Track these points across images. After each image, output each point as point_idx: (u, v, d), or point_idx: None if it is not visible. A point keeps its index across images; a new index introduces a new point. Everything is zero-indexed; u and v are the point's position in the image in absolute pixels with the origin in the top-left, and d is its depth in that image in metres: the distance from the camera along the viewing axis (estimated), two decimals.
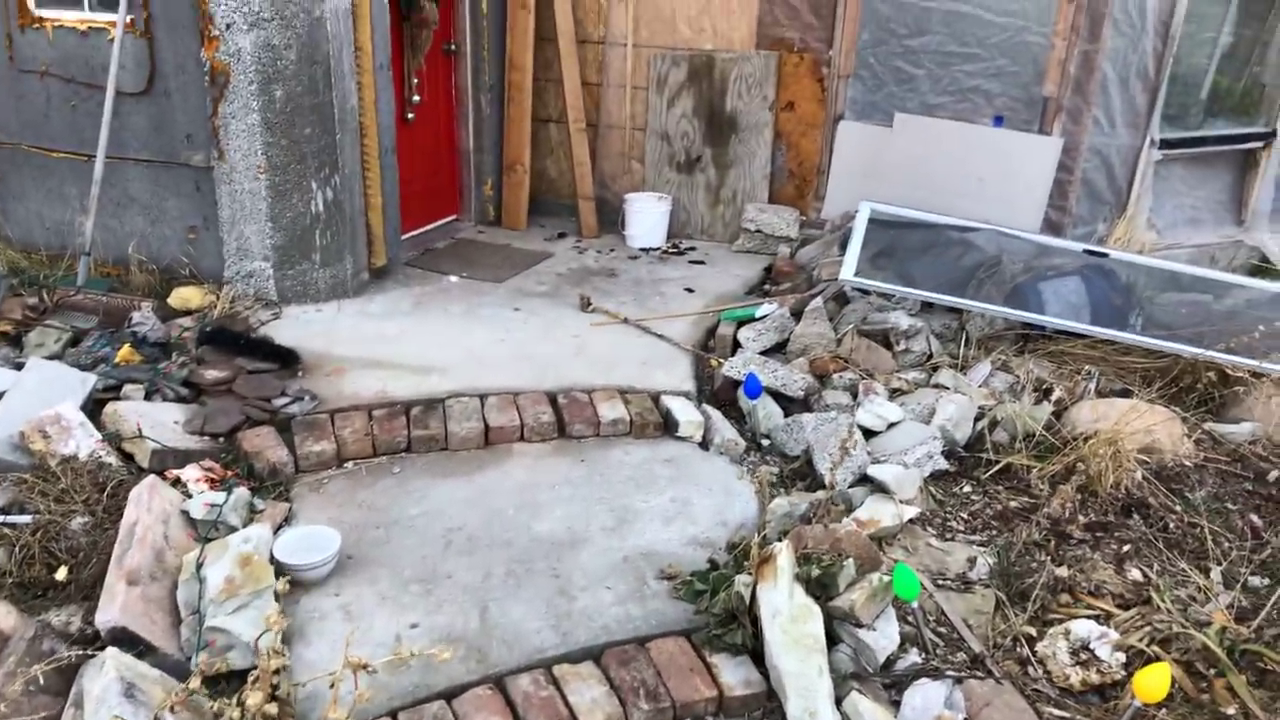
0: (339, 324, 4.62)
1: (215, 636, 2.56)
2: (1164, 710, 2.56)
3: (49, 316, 4.33)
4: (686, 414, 4.00)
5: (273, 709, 1.64)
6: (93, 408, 3.55)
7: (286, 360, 4.08)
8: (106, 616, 2.51)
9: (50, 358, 3.88)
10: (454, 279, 5.37)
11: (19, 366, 3.73)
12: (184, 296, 4.63)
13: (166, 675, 2.44)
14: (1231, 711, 2.57)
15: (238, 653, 2.52)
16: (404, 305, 4.94)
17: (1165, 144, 5.68)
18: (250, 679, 1.69)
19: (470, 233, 6.30)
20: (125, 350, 3.98)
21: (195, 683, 1.76)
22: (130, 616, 2.53)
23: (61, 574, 2.85)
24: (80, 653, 2.36)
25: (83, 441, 3.29)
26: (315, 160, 4.61)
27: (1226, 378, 4.19)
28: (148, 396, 3.73)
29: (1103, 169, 5.52)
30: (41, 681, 2.29)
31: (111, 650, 2.38)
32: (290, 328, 4.49)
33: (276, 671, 1.69)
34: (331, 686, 1.56)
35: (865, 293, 4.83)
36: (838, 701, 2.56)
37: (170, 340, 4.18)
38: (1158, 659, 2.66)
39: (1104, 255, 4.94)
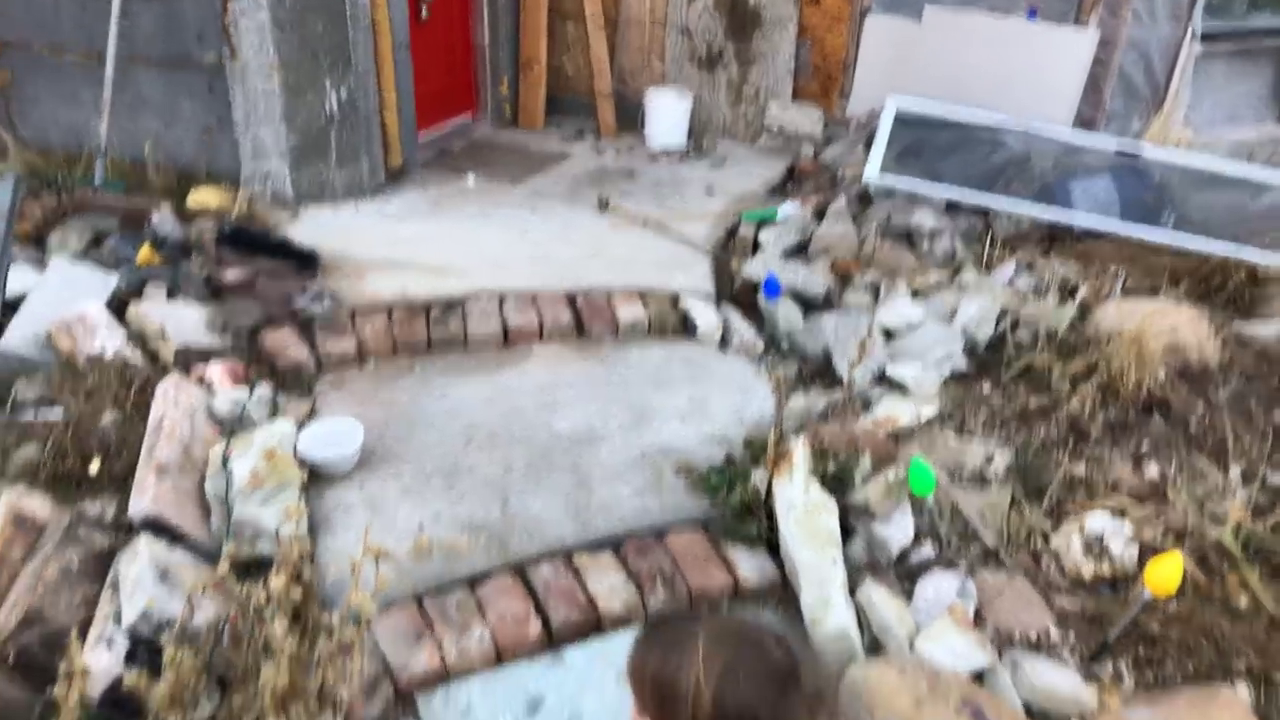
0: (356, 225, 4.60)
1: (243, 526, 2.63)
2: (1174, 602, 2.59)
3: (69, 217, 4.33)
4: (705, 315, 3.99)
5: (297, 593, 1.69)
6: (116, 307, 3.58)
7: (305, 261, 4.09)
8: (139, 506, 2.58)
9: (72, 258, 3.90)
10: (471, 180, 5.31)
11: (42, 267, 3.75)
12: (202, 197, 4.62)
13: (198, 562, 2.52)
14: (1243, 604, 2.60)
15: (265, 542, 2.59)
16: (421, 206, 4.91)
17: (1207, 37, 5.46)
18: (275, 565, 1.74)
19: (487, 133, 6.21)
20: (145, 251, 3.99)
21: (225, 567, 1.81)
22: (162, 506, 2.60)
23: (94, 467, 2.91)
24: (116, 539, 2.43)
25: (108, 340, 3.33)
26: (328, 58, 4.53)
27: (1257, 277, 4.12)
28: (170, 296, 3.76)
29: (1140, 63, 5.32)
30: (79, 566, 2.37)
31: (145, 537, 2.45)
32: (308, 228, 4.48)
33: (299, 558, 1.74)
34: (353, 572, 1.60)
35: (890, 192, 4.75)
36: (851, 592, 2.60)
37: (189, 241, 4.18)
38: (1170, 553, 2.68)
39: (1137, 153, 4.81)
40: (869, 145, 4.90)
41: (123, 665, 2.16)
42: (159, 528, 2.59)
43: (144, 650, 2.23)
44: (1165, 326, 3.61)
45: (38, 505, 2.65)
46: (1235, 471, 3.12)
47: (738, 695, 1.22)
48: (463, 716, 2.31)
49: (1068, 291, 4.07)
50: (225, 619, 1.84)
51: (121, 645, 2.21)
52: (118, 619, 2.26)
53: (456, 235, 4.53)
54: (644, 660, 1.33)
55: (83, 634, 2.21)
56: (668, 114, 5.96)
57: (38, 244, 4.13)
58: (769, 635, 1.36)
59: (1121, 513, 2.91)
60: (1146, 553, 2.73)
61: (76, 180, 4.67)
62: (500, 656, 2.46)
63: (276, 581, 1.64)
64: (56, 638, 2.25)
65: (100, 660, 2.13)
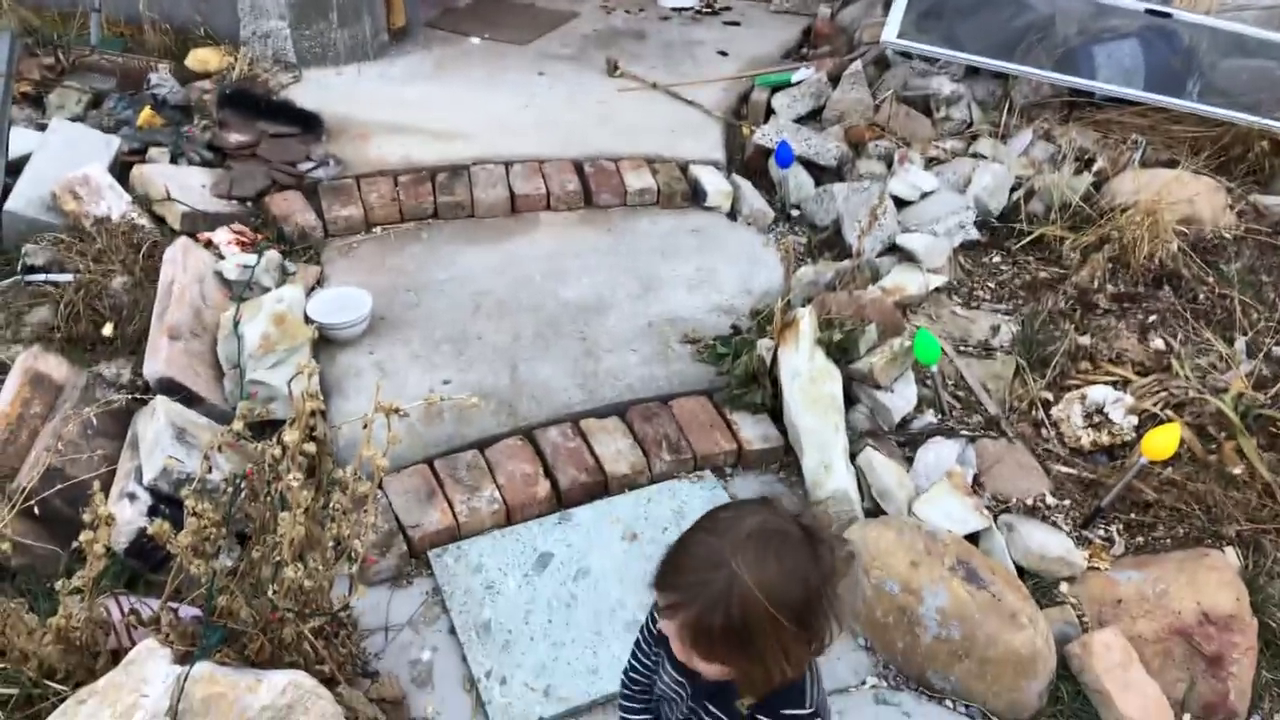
0: (360, 88, 4.50)
1: (256, 388, 2.68)
2: (1170, 468, 2.64)
3: (66, 77, 4.24)
4: (715, 183, 3.93)
5: (310, 447, 1.73)
6: (119, 170, 3.54)
7: (309, 124, 4.01)
8: (154, 368, 2.62)
9: (72, 119, 3.83)
10: (476, 41, 5.15)
11: (42, 128, 3.69)
12: (201, 58, 4.49)
13: (213, 423, 2.58)
14: (1238, 471, 2.65)
15: (278, 404, 2.64)
16: (425, 68, 4.78)
17: None
18: (288, 421, 1.78)
19: None
20: (146, 113, 3.92)
21: (240, 425, 1.85)
22: (176, 368, 2.64)
23: (107, 330, 2.95)
24: (134, 396, 2.48)
25: (114, 203, 3.31)
26: None
27: (1279, 147, 4.02)
28: (173, 160, 3.71)
29: None
30: (96, 424, 2.42)
31: (161, 397, 2.50)
32: (311, 91, 4.38)
33: (312, 414, 1.78)
34: (365, 427, 1.64)
35: (908, 56, 4.59)
36: (852, 457, 2.66)
37: (190, 103, 4.10)
38: (1170, 422, 2.72)
39: (1167, 15, 4.61)
40: (888, 6, 4.70)
41: (146, 519, 2.24)
42: (173, 389, 2.63)
43: (164, 505, 2.31)
44: (1181, 197, 3.56)
45: (54, 365, 2.70)
46: (1241, 343, 3.12)
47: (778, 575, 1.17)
48: (474, 572, 2.40)
49: (1084, 162, 3.99)
50: (243, 474, 1.89)
51: (143, 500, 2.29)
52: (138, 476, 2.34)
53: (462, 99, 4.43)
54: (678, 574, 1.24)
55: (104, 490, 2.29)
56: None
57: (35, 104, 4.06)
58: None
59: (1124, 383, 2.94)
60: (1146, 423, 2.77)
61: (72, 39, 4.55)
62: (510, 516, 2.54)
63: (290, 435, 1.68)
64: (78, 492, 2.33)
65: (123, 514, 2.21)
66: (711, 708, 1.35)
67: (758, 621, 1.14)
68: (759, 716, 1.28)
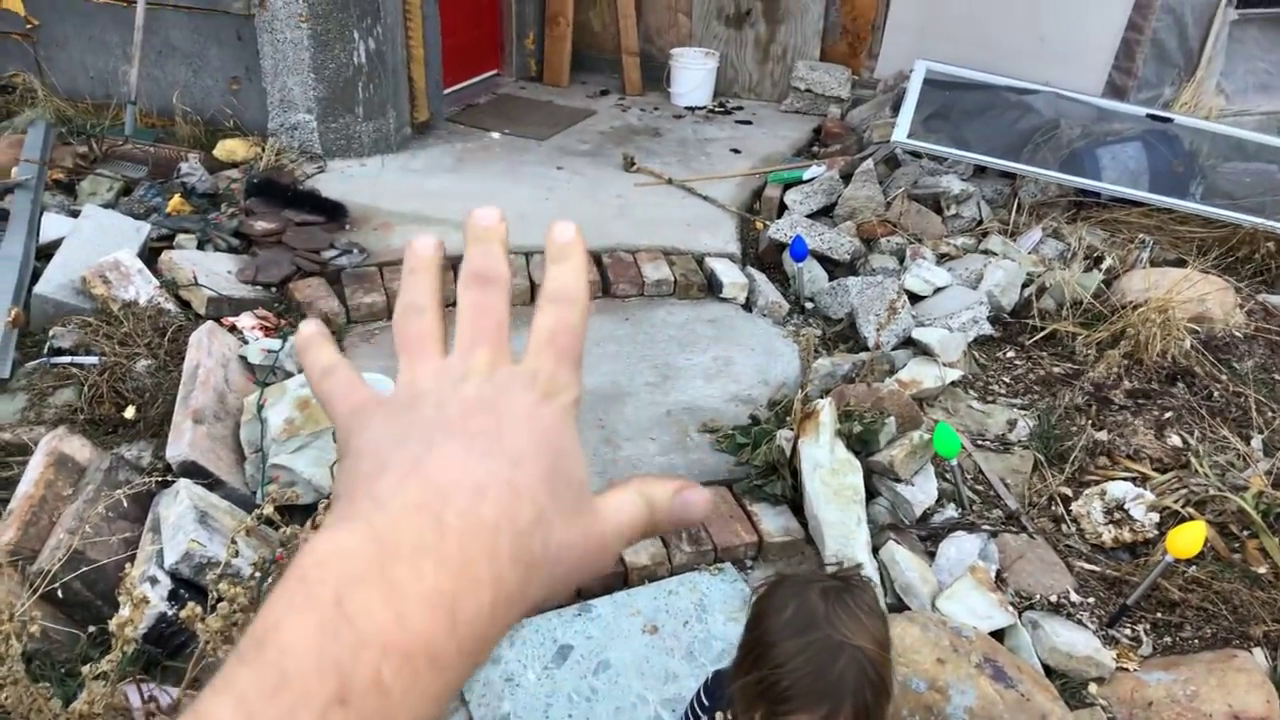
0: (383, 179, 4.62)
1: (279, 473, 2.68)
2: (1194, 567, 2.62)
3: (99, 165, 4.36)
4: (730, 275, 4.00)
5: None
6: (147, 256, 3.62)
7: (333, 213, 4.11)
8: (176, 451, 2.63)
9: (104, 206, 3.93)
10: (496, 136, 5.31)
11: (74, 214, 3.79)
12: (229, 148, 4.63)
13: (233, 507, 2.58)
14: (1262, 571, 2.63)
15: (300, 489, 2.64)
16: (446, 161, 4.91)
17: (1243, 2, 5.37)
18: (322, 504, 1.79)
19: (512, 88, 6.18)
20: (176, 200, 4.02)
21: (269, 509, 1.86)
22: (198, 452, 2.65)
23: (130, 412, 2.97)
24: (157, 480, 2.48)
25: (142, 288, 3.37)
26: (357, 9, 4.51)
27: None
28: (200, 246, 3.79)
29: (1174, 28, 5.25)
30: (124, 506, 2.42)
31: (184, 480, 2.51)
32: (335, 181, 4.49)
33: None
34: None
35: (917, 155, 4.72)
36: (874, 551, 2.65)
37: (218, 191, 4.21)
38: (1192, 519, 2.71)
39: (1168, 120, 4.77)
40: (897, 108, 4.87)
41: (166, 603, 2.23)
42: (196, 473, 2.64)
43: (184, 590, 2.30)
44: (1191, 296, 3.62)
45: (77, 447, 2.71)
46: (1257, 441, 3.13)
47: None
48: (493, 664, 2.36)
49: (1094, 260, 4.07)
50: (272, 558, 1.89)
51: (164, 584, 2.28)
52: (159, 560, 2.32)
53: (482, 191, 4.54)
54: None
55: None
56: (694, 73, 5.93)
57: (68, 191, 4.16)
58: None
59: (1143, 479, 2.94)
60: (1167, 520, 2.77)
61: (105, 128, 4.69)
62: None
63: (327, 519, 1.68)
64: (98, 576, 2.32)
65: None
66: None
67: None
68: None
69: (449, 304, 0.45)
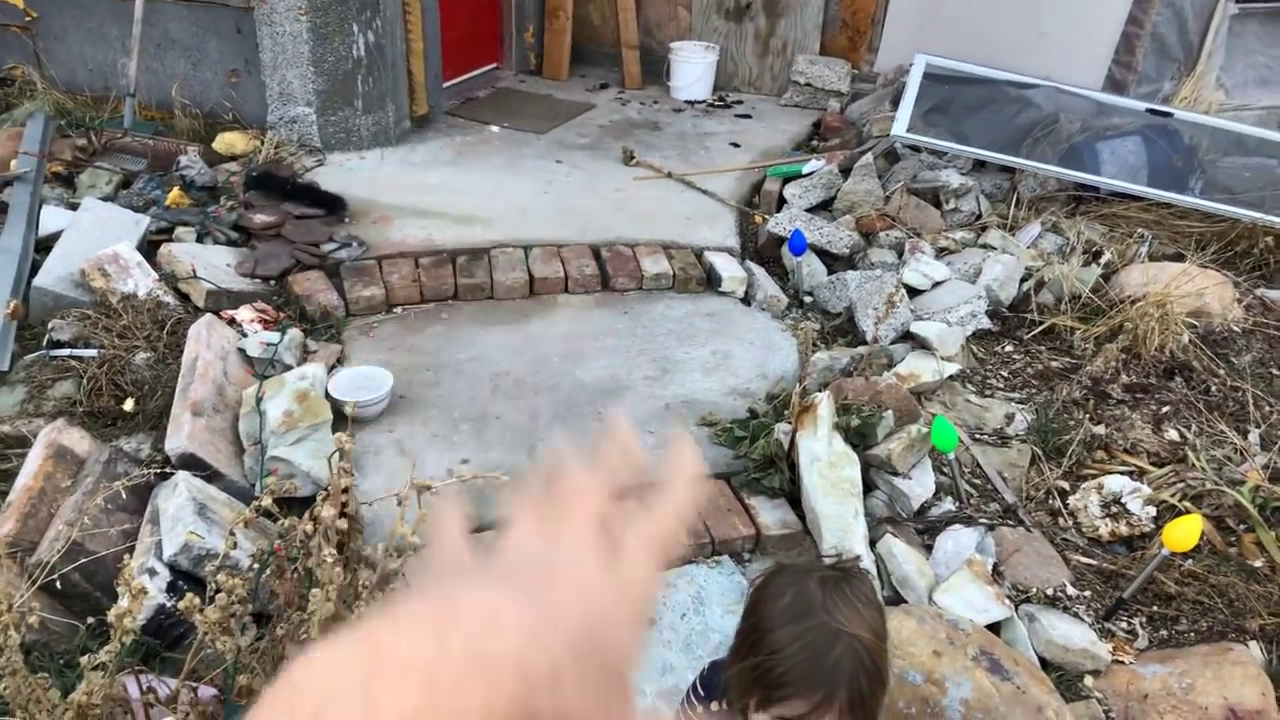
0: (382, 172, 4.61)
1: (277, 465, 2.69)
2: (1190, 560, 2.63)
3: (98, 158, 4.36)
4: (729, 269, 4.00)
5: (343, 524, 1.74)
6: (146, 249, 3.62)
7: (333, 207, 4.10)
8: (175, 443, 2.64)
9: (103, 199, 3.93)
10: (495, 129, 5.30)
11: (73, 207, 3.79)
12: (228, 141, 4.63)
13: (232, 499, 2.59)
14: (1258, 564, 2.64)
15: (299, 481, 2.65)
16: (446, 155, 4.91)
17: None
18: (320, 496, 1.79)
19: (511, 82, 6.18)
20: (175, 193, 4.02)
21: (267, 501, 1.86)
22: (197, 444, 2.66)
23: (129, 405, 2.98)
24: (156, 472, 2.49)
25: (140, 280, 3.37)
26: (356, 2, 4.50)
27: None
28: (199, 239, 3.79)
29: (1174, 22, 5.25)
30: (123, 498, 2.43)
31: (183, 473, 2.51)
32: (334, 175, 4.49)
33: (345, 490, 1.79)
34: (399, 504, 1.65)
35: (916, 150, 4.72)
36: (871, 544, 2.65)
37: (218, 184, 4.21)
38: (1188, 513, 2.72)
39: (1168, 115, 4.76)
40: (896, 102, 4.86)
41: (165, 595, 2.23)
42: (195, 465, 2.64)
43: (183, 582, 2.30)
44: (1190, 291, 3.62)
45: (76, 439, 2.71)
46: (1254, 435, 3.14)
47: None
48: None
49: (1092, 254, 4.07)
50: (270, 550, 1.89)
51: (163, 576, 2.28)
52: (158, 551, 2.33)
53: (482, 185, 4.54)
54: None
55: None
56: (694, 66, 5.92)
57: (67, 184, 4.16)
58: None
59: (1140, 474, 2.94)
60: (1164, 514, 2.77)
61: (104, 121, 4.69)
62: None
63: (325, 510, 1.68)
64: (97, 568, 2.33)
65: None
66: None
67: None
68: None
69: None
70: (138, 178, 4.20)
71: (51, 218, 3.68)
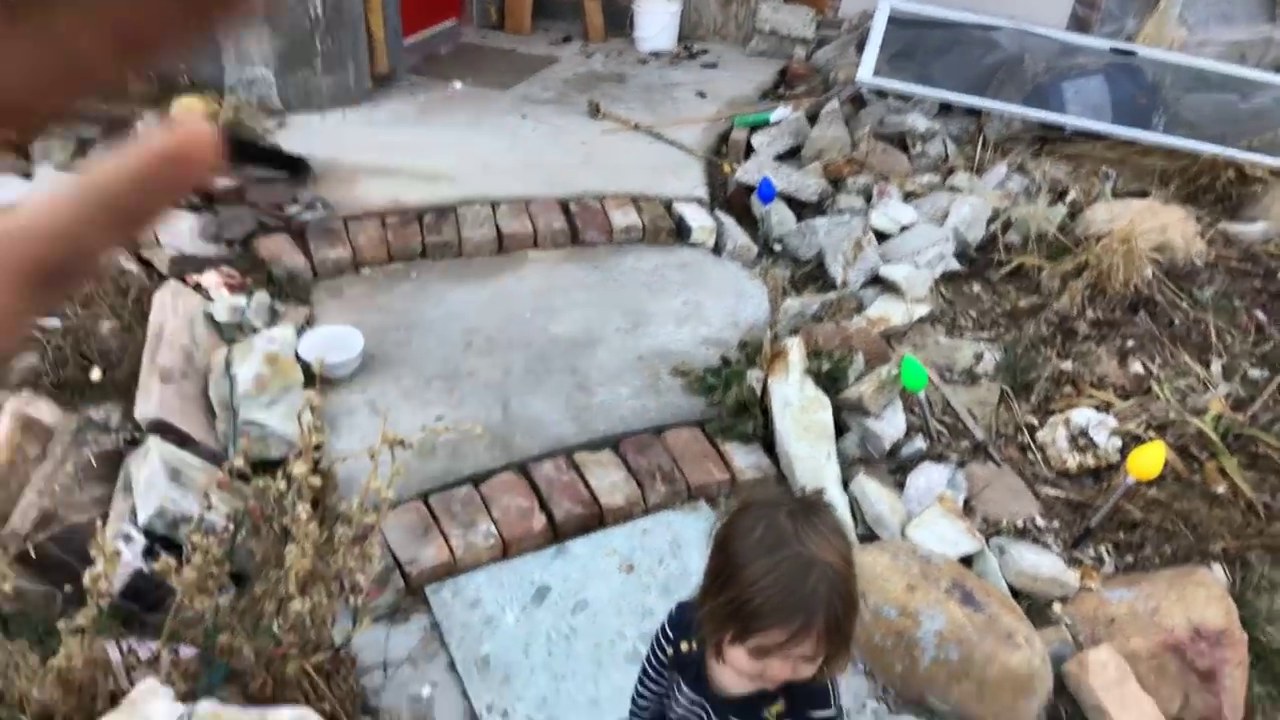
0: (345, 132, 4.55)
1: (249, 429, 2.68)
2: (1154, 488, 2.68)
3: (50, 127, 4.26)
4: (699, 220, 3.99)
5: (316, 480, 1.74)
6: None
7: (296, 168, 4.04)
8: (145, 409, 2.62)
9: (58, 169, 3.85)
10: (459, 86, 5.23)
11: (27, 177, 3.71)
12: (186, 105, 4.53)
13: (205, 464, 2.58)
14: (1221, 490, 2.70)
15: (273, 443, 2.64)
16: (409, 113, 4.84)
17: None
18: (293, 453, 1.79)
19: (473, 37, 6.08)
20: None
21: (240, 461, 1.86)
22: (168, 410, 2.64)
23: (95, 375, 2.94)
24: (127, 439, 2.47)
25: None
26: None
27: (1245, 177, 4.14)
28: None
29: None
30: (94, 466, 2.41)
31: (155, 438, 2.50)
32: (297, 136, 4.42)
33: (317, 447, 1.79)
34: (371, 458, 1.65)
35: (882, 95, 4.71)
36: (844, 484, 2.69)
37: None
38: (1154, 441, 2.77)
39: (1131, 53, 4.77)
40: (861, 47, 4.83)
41: (141, 560, 2.23)
42: (166, 431, 2.63)
43: (159, 546, 2.30)
44: (1153, 226, 3.65)
45: (44, 410, 2.69)
46: (1217, 366, 3.19)
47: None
48: (471, 607, 2.40)
49: (1058, 193, 4.09)
50: (244, 510, 1.89)
51: (138, 542, 2.28)
52: (133, 517, 2.32)
53: (447, 142, 4.49)
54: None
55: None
56: (657, 16, 5.85)
57: (20, 153, 4.07)
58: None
59: (1106, 407, 2.99)
60: (1129, 445, 2.82)
61: None
62: (506, 550, 2.54)
63: (298, 467, 1.69)
64: (72, 536, 2.32)
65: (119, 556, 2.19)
66: None
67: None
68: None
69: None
70: (93, 145, 4.12)
71: (6, 189, 3.60)
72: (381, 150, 4.33)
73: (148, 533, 2.30)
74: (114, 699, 1.81)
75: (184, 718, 1.65)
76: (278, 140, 4.34)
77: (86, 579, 1.67)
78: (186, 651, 1.90)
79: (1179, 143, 4.23)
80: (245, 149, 4.08)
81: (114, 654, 1.92)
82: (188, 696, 1.73)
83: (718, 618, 1.25)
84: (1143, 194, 4.05)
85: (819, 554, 1.20)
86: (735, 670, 1.26)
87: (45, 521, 2.31)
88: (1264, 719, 2.30)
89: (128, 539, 2.27)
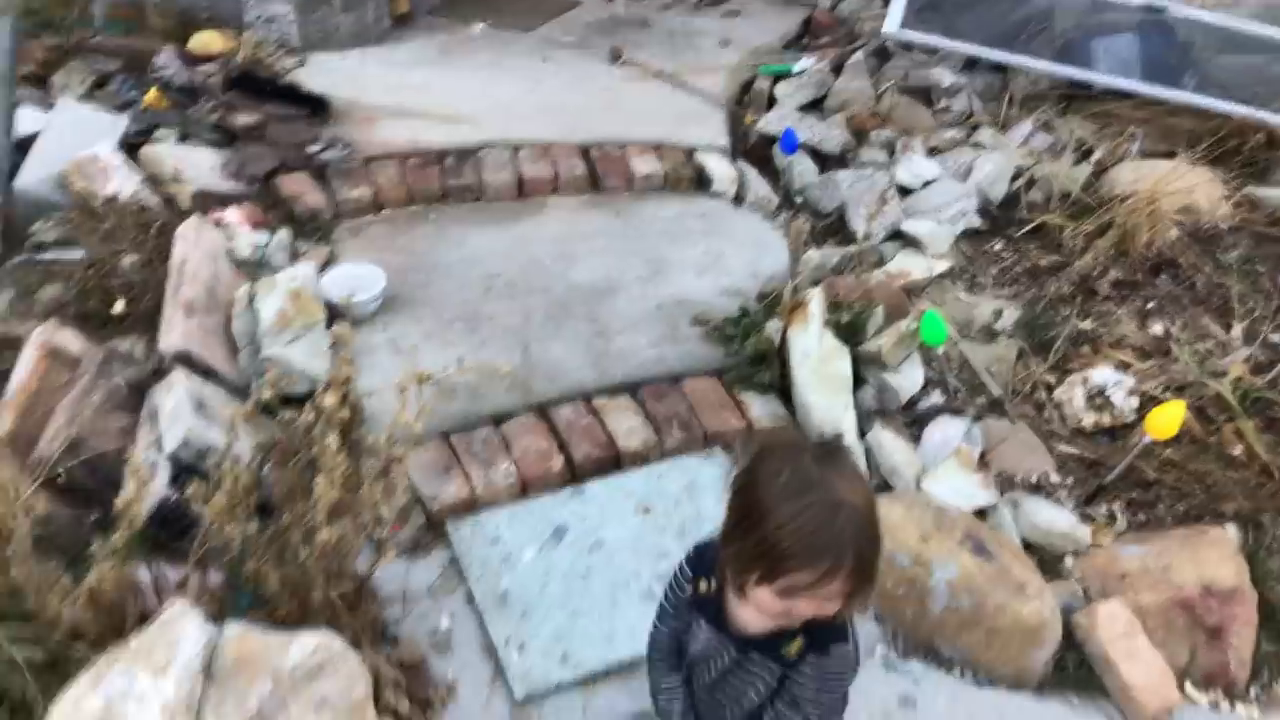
0: (365, 72, 4.51)
1: (272, 365, 2.70)
2: (1170, 449, 2.69)
3: (70, 59, 4.23)
4: (720, 169, 3.97)
5: (345, 413, 1.76)
6: (126, 150, 3.55)
7: (316, 107, 4.02)
8: (169, 342, 2.64)
9: (78, 100, 3.83)
10: (479, 27, 5.17)
11: (48, 108, 3.70)
12: (204, 41, 4.50)
13: (229, 397, 2.60)
14: (1237, 452, 2.71)
15: (295, 379, 2.66)
16: (430, 54, 4.80)
17: None
18: (321, 386, 1.81)
19: None
20: (153, 94, 3.92)
21: (267, 393, 1.88)
22: (192, 342, 2.66)
23: (119, 307, 2.96)
24: (152, 370, 2.50)
25: (123, 182, 3.31)
26: None
27: (1275, 141, 4.09)
28: (181, 140, 3.72)
29: None
30: (122, 394, 2.44)
31: (180, 369, 2.52)
32: (316, 75, 4.39)
33: (346, 380, 1.81)
34: (402, 392, 1.67)
35: (908, 47, 4.64)
36: (861, 435, 2.71)
37: (196, 85, 4.10)
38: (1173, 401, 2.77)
39: (1162, 10, 4.68)
40: None
41: (168, 488, 2.27)
42: (189, 363, 2.65)
43: (185, 475, 2.33)
44: (1179, 188, 3.62)
45: (70, 339, 2.71)
46: (1238, 330, 3.18)
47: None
48: (491, 544, 2.43)
49: (1083, 152, 4.05)
50: (273, 442, 1.92)
51: (165, 470, 2.31)
52: (159, 446, 2.36)
53: (467, 84, 4.45)
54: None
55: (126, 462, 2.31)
56: None
57: (40, 84, 4.05)
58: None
59: (1125, 366, 2.99)
60: (1147, 404, 2.83)
61: (74, 21, 4.54)
62: (525, 489, 2.57)
63: (328, 399, 1.71)
64: (100, 464, 2.35)
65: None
66: (758, 657, 1.39)
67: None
68: (809, 655, 1.34)
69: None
70: (113, 79, 4.10)
71: (27, 119, 3.59)
72: (402, 91, 4.30)
73: (174, 461, 2.33)
74: (143, 618, 1.86)
75: (213, 638, 1.69)
76: (297, 79, 4.31)
77: (119, 502, 1.70)
78: (215, 577, 1.94)
79: (1209, 103, 4.17)
80: (264, 86, 4.05)
81: (144, 576, 1.96)
82: (216, 619, 1.77)
83: (743, 559, 1.27)
84: (1170, 155, 4.01)
85: (845, 496, 1.22)
86: (759, 609, 1.29)
87: (73, 448, 2.34)
88: (1271, 675, 2.33)
89: (154, 467, 2.30)
